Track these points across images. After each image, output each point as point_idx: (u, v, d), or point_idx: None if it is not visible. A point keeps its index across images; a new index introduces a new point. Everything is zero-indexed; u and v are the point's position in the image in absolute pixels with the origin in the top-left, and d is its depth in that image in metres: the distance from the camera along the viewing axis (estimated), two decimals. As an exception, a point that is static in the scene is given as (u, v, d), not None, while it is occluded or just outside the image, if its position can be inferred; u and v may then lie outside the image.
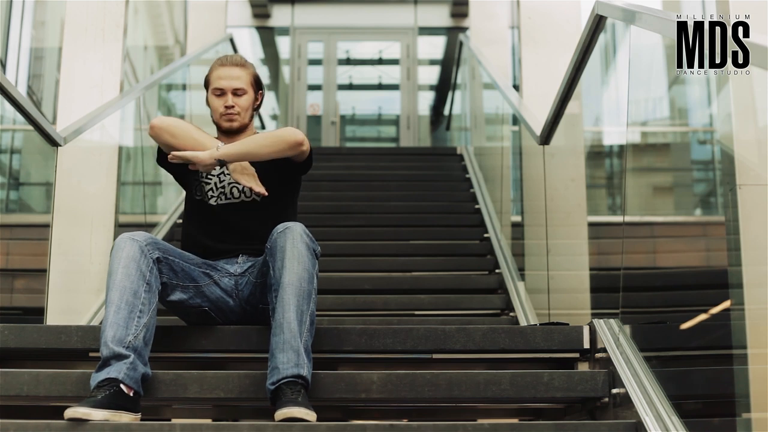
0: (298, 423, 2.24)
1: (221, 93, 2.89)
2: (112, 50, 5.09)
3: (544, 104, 4.13)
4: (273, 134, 2.79)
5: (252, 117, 2.97)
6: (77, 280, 4.22)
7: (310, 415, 2.26)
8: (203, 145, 2.77)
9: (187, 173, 2.90)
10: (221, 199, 2.87)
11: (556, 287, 3.94)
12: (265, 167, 2.84)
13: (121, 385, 2.31)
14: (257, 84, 2.95)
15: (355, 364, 2.80)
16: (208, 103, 2.96)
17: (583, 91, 3.86)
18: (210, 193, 2.89)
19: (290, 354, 2.37)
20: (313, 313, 2.48)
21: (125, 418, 2.28)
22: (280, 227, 2.56)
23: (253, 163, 2.84)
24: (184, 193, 3.08)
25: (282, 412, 2.26)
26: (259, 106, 3.00)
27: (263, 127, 9.50)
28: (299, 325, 2.41)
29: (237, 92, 2.89)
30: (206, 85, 2.95)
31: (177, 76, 6.63)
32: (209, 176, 2.90)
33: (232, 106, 2.88)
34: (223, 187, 2.88)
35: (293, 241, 2.50)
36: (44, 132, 3.63)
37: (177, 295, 2.68)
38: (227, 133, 2.92)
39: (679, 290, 3.79)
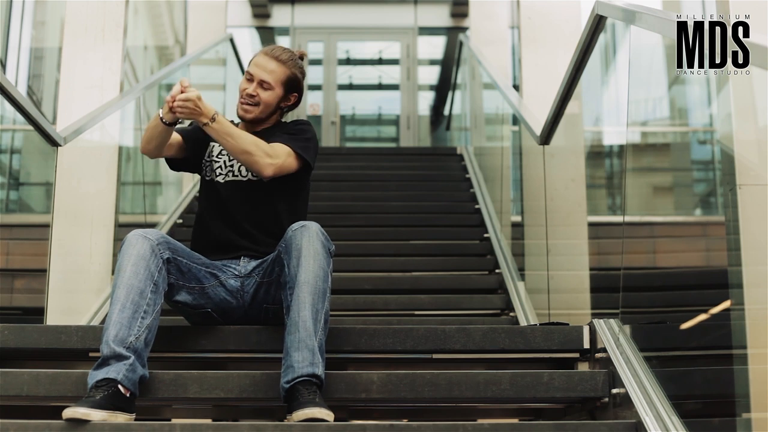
0: (300, 423, 2.24)
1: (250, 78, 2.85)
2: (112, 50, 5.09)
3: (544, 104, 4.13)
4: (255, 149, 2.69)
5: (273, 114, 2.90)
6: (77, 280, 4.21)
7: (329, 416, 2.27)
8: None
9: (200, 154, 2.91)
10: (228, 177, 2.86)
11: (556, 287, 3.94)
12: None
13: (119, 386, 2.31)
14: (291, 84, 2.86)
15: (355, 364, 2.80)
16: None
17: (583, 91, 3.86)
18: (219, 170, 2.88)
19: (305, 353, 2.37)
20: (327, 312, 2.49)
21: (121, 418, 2.28)
22: (296, 225, 2.56)
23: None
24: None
25: (303, 413, 2.26)
26: (291, 107, 2.93)
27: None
28: (314, 323, 2.42)
29: (263, 84, 2.83)
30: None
31: (177, 76, 6.62)
32: (221, 155, 2.89)
33: (253, 95, 2.84)
34: (233, 164, 2.87)
35: (309, 239, 2.50)
36: (44, 132, 3.63)
37: (182, 296, 2.68)
38: (246, 123, 2.89)
39: (679, 290, 3.80)
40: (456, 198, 6.36)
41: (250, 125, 2.90)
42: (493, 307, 4.42)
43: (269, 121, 2.92)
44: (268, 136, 2.85)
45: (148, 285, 2.48)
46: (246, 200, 2.84)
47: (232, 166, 2.87)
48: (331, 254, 2.57)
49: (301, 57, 2.94)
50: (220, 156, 2.90)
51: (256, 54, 2.90)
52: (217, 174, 2.88)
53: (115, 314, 2.40)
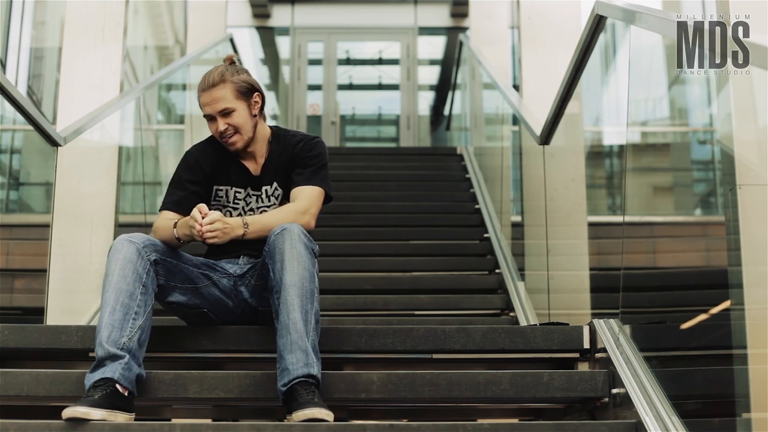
0: (300, 424, 2.24)
1: (210, 117, 2.77)
2: (112, 50, 5.09)
3: (544, 104, 4.13)
4: (292, 216, 2.68)
5: (256, 124, 2.83)
6: (77, 280, 4.22)
7: (329, 415, 2.28)
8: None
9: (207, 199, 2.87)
10: (248, 215, 2.82)
11: (556, 287, 3.94)
12: (283, 179, 2.83)
13: (117, 385, 2.31)
14: (247, 91, 2.77)
15: (355, 364, 2.80)
16: None
17: (583, 91, 3.86)
18: (236, 212, 2.85)
19: (299, 354, 2.37)
20: (317, 312, 2.48)
21: (120, 417, 2.29)
22: (277, 229, 2.55)
23: (273, 173, 2.84)
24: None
25: (303, 413, 2.26)
26: (261, 108, 2.84)
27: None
28: (305, 324, 2.41)
29: (224, 112, 2.75)
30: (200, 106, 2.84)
31: (177, 76, 6.63)
32: (237, 201, 2.85)
33: (226, 129, 2.76)
34: (253, 211, 2.84)
35: (291, 242, 2.49)
36: (44, 132, 3.63)
37: (175, 297, 2.67)
38: (238, 152, 2.85)
39: (679, 290, 3.80)
40: (456, 198, 6.36)
41: (246, 151, 2.85)
42: (493, 307, 4.42)
43: (259, 135, 2.85)
44: (284, 163, 2.83)
45: (137, 287, 2.47)
46: None
47: (252, 213, 2.83)
48: (316, 254, 2.56)
49: (232, 62, 2.84)
50: (236, 202, 2.85)
51: (197, 95, 2.80)
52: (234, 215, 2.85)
53: (106, 317, 2.40)
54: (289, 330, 2.40)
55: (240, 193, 2.86)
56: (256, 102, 2.81)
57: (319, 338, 2.47)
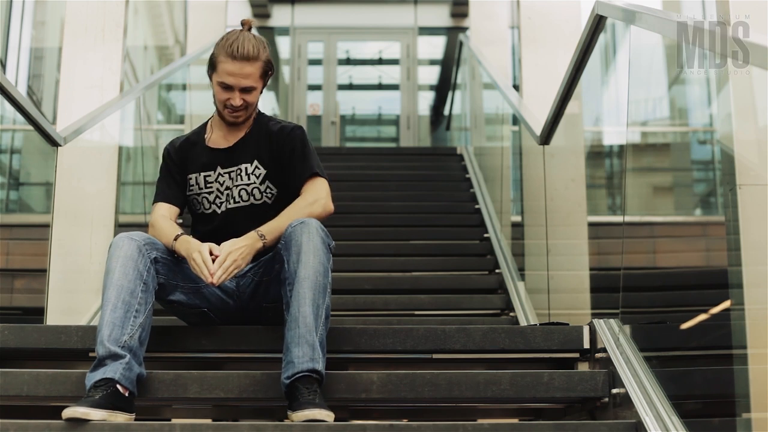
0: (300, 424, 2.24)
1: (228, 87, 2.72)
2: (112, 50, 5.10)
3: (544, 104, 4.13)
4: (306, 211, 2.65)
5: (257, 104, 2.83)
6: (77, 280, 4.22)
7: (329, 416, 2.27)
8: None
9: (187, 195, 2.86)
10: (230, 203, 2.80)
11: (556, 287, 3.94)
12: (272, 170, 2.80)
13: (117, 386, 2.31)
14: (268, 71, 2.74)
15: (355, 364, 2.80)
16: (211, 80, 2.77)
17: (583, 91, 3.86)
18: (217, 200, 2.81)
19: (305, 348, 2.37)
20: (328, 307, 2.47)
21: (121, 418, 2.28)
22: (295, 222, 2.53)
23: (251, 151, 2.80)
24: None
25: (303, 414, 2.26)
26: (265, 85, 2.82)
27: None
28: (315, 318, 2.41)
29: (246, 89, 2.72)
30: (212, 66, 2.75)
31: (177, 76, 6.63)
32: (209, 185, 2.82)
33: (239, 105, 2.73)
34: (230, 190, 2.81)
35: (309, 236, 2.48)
36: (44, 132, 3.63)
37: (176, 296, 2.66)
38: (229, 125, 2.83)
39: (679, 290, 3.80)
40: (456, 198, 6.36)
41: (236, 127, 2.84)
42: (493, 307, 4.42)
43: (251, 117, 2.85)
44: (263, 145, 2.80)
45: (138, 284, 2.47)
46: (250, 221, 2.72)
47: (229, 192, 2.80)
48: (331, 250, 2.55)
49: (250, 28, 2.81)
50: (208, 186, 2.82)
51: (217, 58, 2.71)
52: (211, 205, 2.82)
53: (107, 314, 2.40)
54: (298, 323, 2.39)
55: (210, 176, 2.82)
56: (268, 80, 2.81)
57: (327, 333, 2.46)
